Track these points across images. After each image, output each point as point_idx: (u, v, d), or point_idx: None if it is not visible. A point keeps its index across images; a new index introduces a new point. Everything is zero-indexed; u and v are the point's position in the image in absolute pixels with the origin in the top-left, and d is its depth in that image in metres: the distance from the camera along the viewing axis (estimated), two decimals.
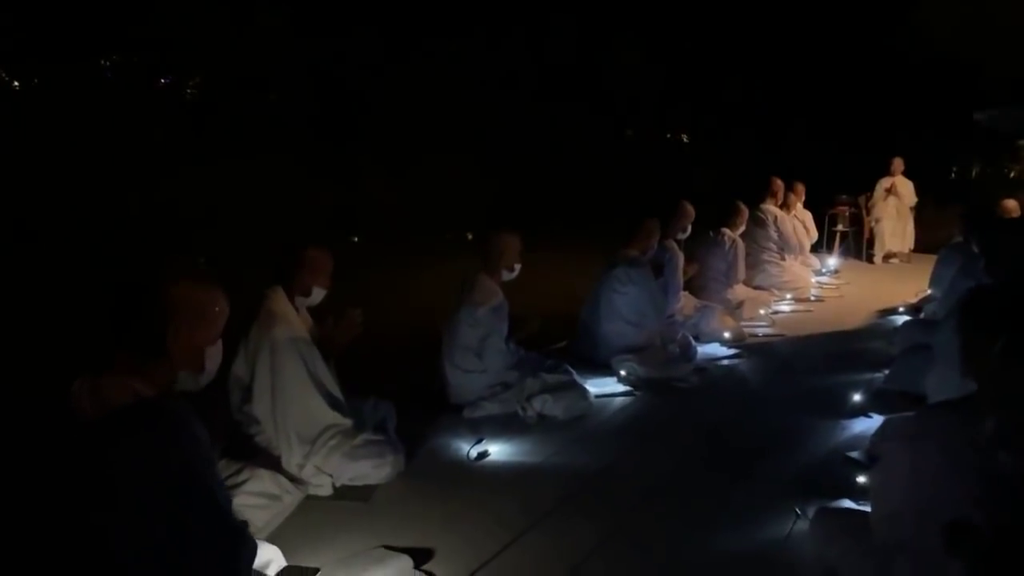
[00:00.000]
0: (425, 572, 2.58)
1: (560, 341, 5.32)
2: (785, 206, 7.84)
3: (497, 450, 3.62)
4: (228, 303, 1.94)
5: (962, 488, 1.96)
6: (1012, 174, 15.18)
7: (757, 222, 7.39)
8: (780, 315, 6.58)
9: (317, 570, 2.27)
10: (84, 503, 1.64)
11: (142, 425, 1.69)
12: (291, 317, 3.31)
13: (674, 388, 4.59)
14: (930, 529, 2.04)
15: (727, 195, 6.85)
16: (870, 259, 9.92)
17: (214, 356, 1.93)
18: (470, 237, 11.18)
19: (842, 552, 2.42)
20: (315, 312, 3.55)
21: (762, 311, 6.39)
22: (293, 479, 3.11)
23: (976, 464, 1.93)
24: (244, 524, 1.85)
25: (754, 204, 7.39)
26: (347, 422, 3.31)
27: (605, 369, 4.75)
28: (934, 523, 2.02)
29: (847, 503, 3.03)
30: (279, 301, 3.31)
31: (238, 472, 2.88)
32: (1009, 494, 1.88)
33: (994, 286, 3.13)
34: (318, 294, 3.41)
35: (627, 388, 4.52)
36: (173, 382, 1.86)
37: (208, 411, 1.91)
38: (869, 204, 9.97)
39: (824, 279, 8.23)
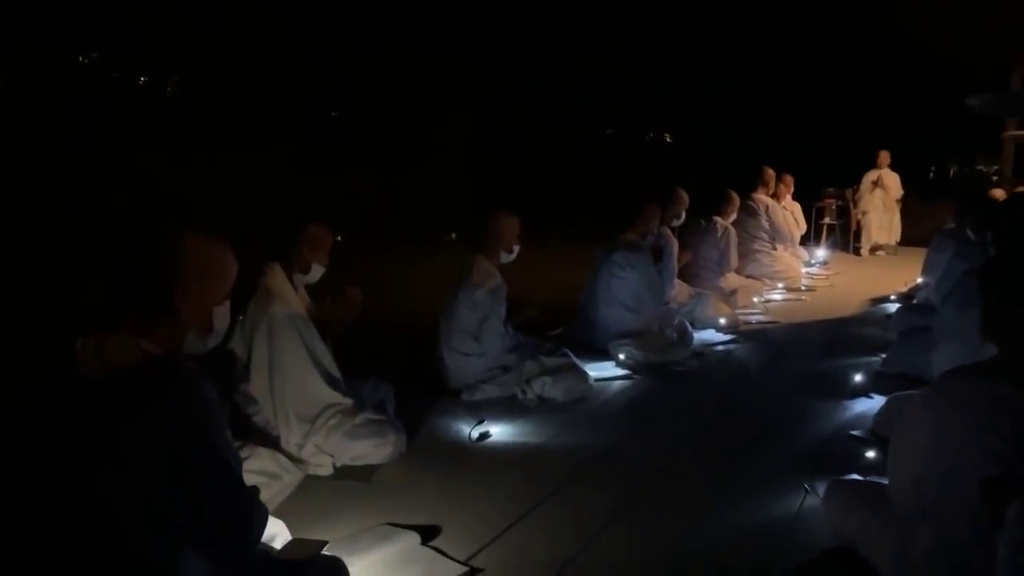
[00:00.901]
0: (432, 548, 2.52)
1: (555, 329, 5.28)
2: (775, 197, 7.85)
3: (498, 431, 3.57)
4: (237, 262, 1.87)
5: (987, 452, 1.93)
6: (995, 169, 15.32)
7: (748, 211, 7.39)
8: (773, 303, 6.59)
9: (325, 542, 2.20)
10: (90, 464, 1.56)
11: (151, 383, 1.61)
12: (289, 295, 3.24)
13: (673, 372, 4.57)
14: (954, 495, 2.01)
15: (714, 186, 6.85)
16: (857, 251, 9.98)
17: (222, 317, 1.85)
18: (453, 237, 11.10)
19: (860, 523, 2.39)
20: (312, 291, 3.47)
21: (755, 299, 6.40)
22: (293, 459, 3.04)
23: (1007, 429, 1.89)
24: (255, 490, 1.78)
25: (745, 194, 7.39)
26: (347, 401, 3.24)
27: (603, 354, 4.71)
28: (958, 489, 1.99)
29: (856, 478, 3.00)
30: (277, 278, 3.23)
31: (237, 450, 2.79)
32: None
33: (1009, 254, 3.11)
34: (317, 271, 3.34)
35: (626, 372, 4.49)
36: (181, 343, 1.78)
37: (216, 373, 1.83)
38: (856, 197, 10.02)
39: (813, 270, 8.26)
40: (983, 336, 2.15)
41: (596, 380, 4.24)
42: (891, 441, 2.36)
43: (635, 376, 4.45)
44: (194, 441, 1.62)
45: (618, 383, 4.35)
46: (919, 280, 6.30)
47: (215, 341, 1.88)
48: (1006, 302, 2.07)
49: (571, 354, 4.24)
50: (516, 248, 4.23)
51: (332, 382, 3.26)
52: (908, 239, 10.00)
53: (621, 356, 4.61)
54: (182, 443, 1.60)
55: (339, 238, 3.48)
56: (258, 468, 2.81)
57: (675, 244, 5.71)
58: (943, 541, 2.03)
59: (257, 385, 3.14)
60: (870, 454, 3.22)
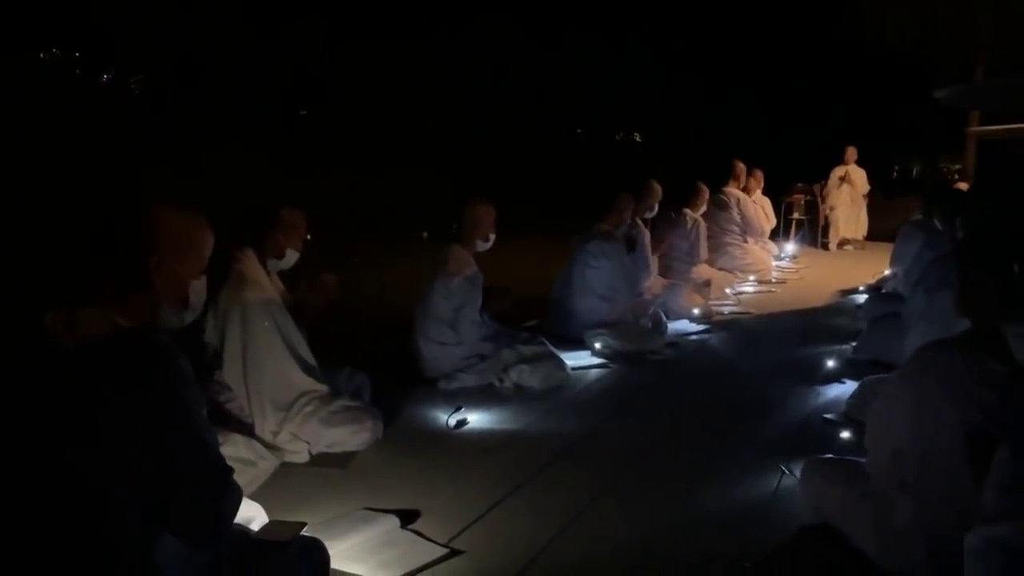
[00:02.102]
0: (412, 531, 2.49)
1: (530, 321, 5.26)
2: (745, 191, 7.92)
3: (476, 419, 3.55)
4: (213, 234, 1.82)
5: (965, 424, 1.95)
6: (956, 168, 15.62)
7: (720, 205, 7.45)
8: (745, 295, 6.65)
9: (303, 524, 2.16)
10: (63, 438, 1.51)
11: (124, 355, 1.56)
12: (263, 280, 3.19)
13: (649, 360, 4.58)
14: (934, 468, 2.03)
15: (685, 182, 6.88)
16: (825, 246, 10.11)
17: (198, 291, 1.81)
18: (425, 236, 11.03)
19: (839, 499, 2.41)
20: (286, 278, 3.42)
21: (727, 290, 6.45)
22: (268, 446, 2.99)
23: (986, 401, 1.92)
24: (230, 469, 1.73)
25: (716, 188, 7.44)
26: (322, 388, 3.20)
27: (578, 344, 4.71)
28: (938, 462, 2.02)
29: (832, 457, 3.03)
30: (250, 263, 3.18)
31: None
32: None
33: (984, 227, 3.15)
34: (291, 256, 3.29)
35: (602, 360, 4.49)
36: (156, 317, 1.73)
37: (192, 348, 1.78)
38: (824, 192, 10.15)
39: (783, 264, 8.35)
40: (958, 310, 2.19)
41: (573, 369, 4.23)
42: (869, 417, 2.38)
43: (611, 364, 4.45)
44: (171, 416, 1.57)
45: (595, 371, 4.35)
46: (887, 271, 6.40)
47: (191, 317, 1.83)
48: (979, 274, 2.11)
49: (547, 342, 4.24)
50: (492, 236, 4.21)
51: (307, 369, 3.21)
52: (874, 234, 10.17)
53: (597, 345, 4.61)
54: (159, 418, 1.55)
55: (308, 236, 3.43)
56: (233, 455, 2.75)
57: (647, 235, 5.74)
58: (922, 514, 2.06)
59: (230, 372, 3.08)
60: (845, 435, 3.26)
